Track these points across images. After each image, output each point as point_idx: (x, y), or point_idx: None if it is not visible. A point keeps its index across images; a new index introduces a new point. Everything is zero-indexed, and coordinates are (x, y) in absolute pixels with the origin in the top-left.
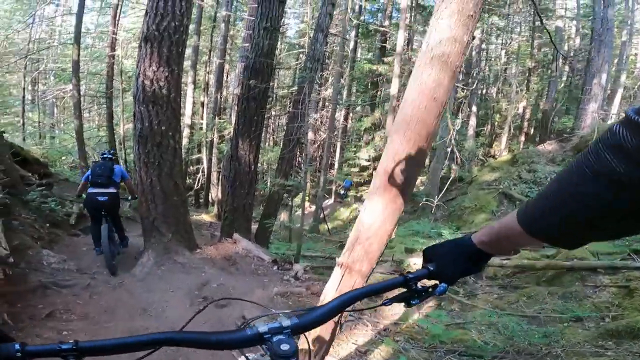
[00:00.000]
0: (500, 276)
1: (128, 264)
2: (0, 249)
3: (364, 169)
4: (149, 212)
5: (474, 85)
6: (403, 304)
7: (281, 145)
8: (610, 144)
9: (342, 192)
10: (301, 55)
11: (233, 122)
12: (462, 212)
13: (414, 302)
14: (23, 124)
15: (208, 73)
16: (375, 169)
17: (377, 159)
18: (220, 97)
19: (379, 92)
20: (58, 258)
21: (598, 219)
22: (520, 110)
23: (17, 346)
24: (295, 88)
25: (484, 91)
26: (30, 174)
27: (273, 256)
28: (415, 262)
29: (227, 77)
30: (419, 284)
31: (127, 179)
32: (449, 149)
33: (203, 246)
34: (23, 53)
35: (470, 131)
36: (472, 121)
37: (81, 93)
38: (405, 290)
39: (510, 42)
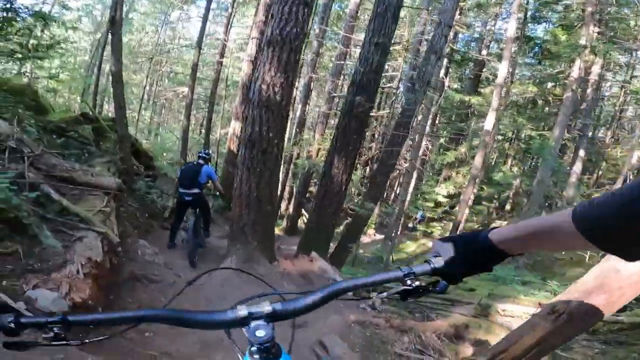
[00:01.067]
0: (603, 331)
1: (206, 261)
2: (112, 236)
3: (438, 204)
4: (241, 218)
5: (586, 128)
6: (399, 297)
7: (374, 168)
8: None
9: (412, 224)
10: (391, 76)
11: (316, 137)
12: (552, 264)
13: (410, 298)
14: (137, 120)
15: (296, 88)
16: (452, 207)
17: (455, 196)
18: (304, 113)
19: (466, 126)
20: (151, 250)
21: None
22: (635, 160)
23: (10, 318)
24: (387, 110)
25: (594, 133)
26: (139, 165)
27: None
28: (504, 309)
29: (310, 93)
30: (418, 281)
31: (214, 180)
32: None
33: (280, 259)
34: (149, 54)
35: (573, 178)
36: (577, 167)
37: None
38: (402, 284)
39: (632, 80)
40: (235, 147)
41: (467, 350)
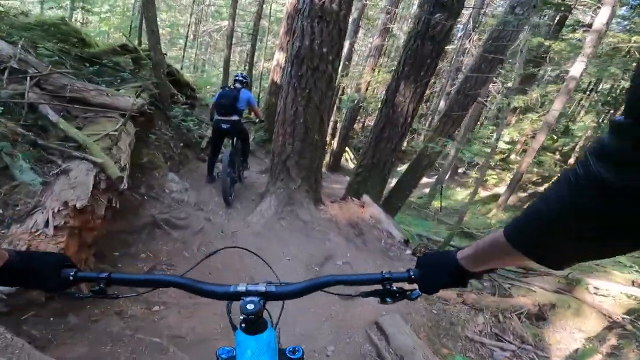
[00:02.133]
0: None
1: (242, 200)
2: (112, 169)
3: (496, 151)
4: (284, 148)
5: None
6: (378, 299)
7: (448, 99)
8: (597, 153)
9: (463, 169)
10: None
11: (366, 70)
12: None
13: (388, 300)
14: (183, 57)
15: None
16: (513, 154)
17: (515, 144)
18: (352, 45)
19: (540, 71)
20: (181, 185)
21: (586, 231)
22: None
23: (71, 272)
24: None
25: None
26: (179, 94)
27: (405, 234)
28: (597, 286)
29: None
30: (396, 285)
31: (254, 105)
32: None
33: (327, 202)
34: None
35: None
36: None
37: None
38: (381, 287)
39: None
40: (279, 78)
41: (555, 336)
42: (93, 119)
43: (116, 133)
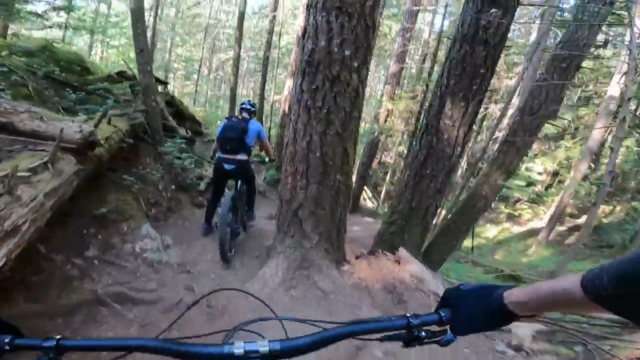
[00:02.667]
0: None
1: (245, 256)
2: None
3: (530, 183)
4: (294, 194)
5: None
6: (401, 343)
7: (510, 124)
8: None
9: (494, 204)
10: None
11: (384, 99)
12: None
13: (413, 345)
14: (196, 91)
15: None
16: (549, 186)
17: (554, 174)
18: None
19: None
20: (158, 242)
21: None
22: None
23: (6, 339)
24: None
25: None
26: (179, 127)
27: None
28: None
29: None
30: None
31: (265, 140)
32: None
33: (351, 259)
34: (208, 27)
35: None
36: None
37: (241, 54)
38: (406, 331)
39: None
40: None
41: None
42: (20, 151)
43: (42, 176)
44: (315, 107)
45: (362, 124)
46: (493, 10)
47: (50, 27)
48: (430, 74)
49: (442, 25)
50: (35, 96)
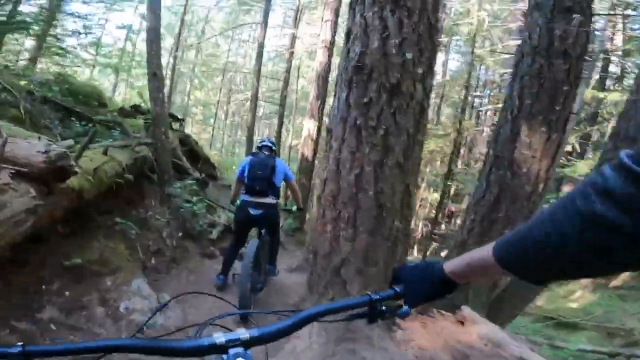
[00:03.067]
0: None
1: (267, 317)
2: None
3: None
4: (335, 246)
5: None
6: (366, 320)
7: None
8: (599, 188)
9: None
10: None
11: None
12: None
13: (376, 320)
14: (212, 136)
15: None
16: None
17: None
18: None
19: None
20: (152, 300)
21: (576, 257)
22: None
23: None
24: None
25: None
26: (192, 169)
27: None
28: None
29: None
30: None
31: (292, 180)
32: None
33: (405, 322)
34: (226, 70)
35: None
36: None
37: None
38: (368, 308)
39: None
40: (311, 151)
41: None
42: None
43: None
44: (368, 128)
45: None
46: (576, 16)
47: (79, 65)
48: (463, 110)
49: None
50: (27, 120)
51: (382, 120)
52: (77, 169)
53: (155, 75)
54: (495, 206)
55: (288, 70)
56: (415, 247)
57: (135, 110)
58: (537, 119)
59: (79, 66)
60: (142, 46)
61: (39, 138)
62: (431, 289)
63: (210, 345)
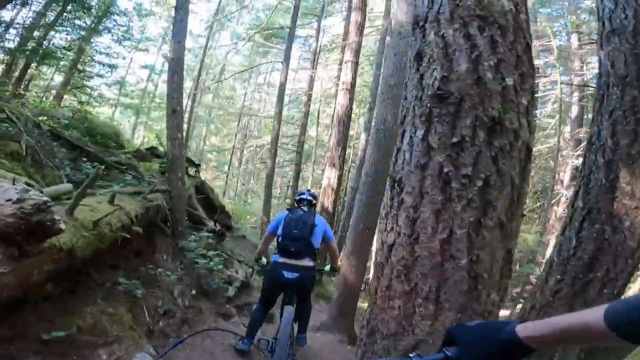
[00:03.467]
0: None
1: None
2: None
3: None
4: (406, 325)
5: None
6: None
7: None
8: None
9: None
10: None
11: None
12: None
13: None
14: (226, 183)
15: None
16: None
17: None
18: None
19: None
20: None
21: None
22: None
23: None
24: None
25: None
26: (207, 219)
27: None
28: None
29: None
30: None
31: (332, 241)
32: None
33: None
34: (242, 114)
35: None
36: None
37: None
38: None
39: None
40: (331, 202)
41: None
42: None
43: None
44: (460, 177)
45: None
46: None
47: (102, 104)
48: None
49: None
50: (27, 157)
51: (479, 167)
52: (62, 225)
53: (175, 112)
54: (591, 265)
55: (306, 115)
56: None
57: (152, 153)
58: (638, 162)
59: (101, 105)
60: (163, 88)
61: (14, 180)
62: (496, 353)
63: None
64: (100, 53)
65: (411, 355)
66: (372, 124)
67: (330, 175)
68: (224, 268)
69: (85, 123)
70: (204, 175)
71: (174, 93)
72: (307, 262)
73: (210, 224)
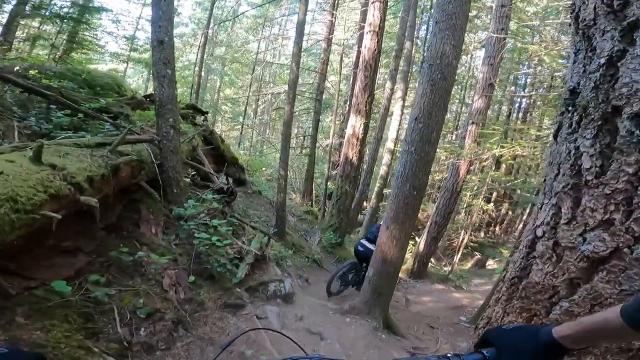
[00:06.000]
0: None
1: None
2: None
3: None
4: None
5: None
6: None
7: None
8: None
9: None
10: None
11: (467, 143)
12: None
13: None
14: (241, 133)
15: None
16: None
17: None
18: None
19: None
20: None
21: None
22: None
23: None
24: None
25: None
26: (215, 174)
27: None
28: None
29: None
30: None
31: None
32: None
33: None
34: (256, 64)
35: None
36: None
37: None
38: None
39: None
40: (356, 153)
41: None
42: None
43: None
44: None
45: (438, 175)
46: None
47: (112, 61)
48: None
49: None
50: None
51: None
52: None
53: (162, 44)
54: None
55: (325, 62)
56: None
57: (151, 100)
58: None
59: (112, 61)
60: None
61: None
62: (536, 355)
63: None
64: (101, 9)
65: (449, 354)
66: (424, 59)
67: (355, 124)
68: (234, 239)
69: (83, 75)
70: (219, 127)
71: (160, 20)
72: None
73: (223, 179)
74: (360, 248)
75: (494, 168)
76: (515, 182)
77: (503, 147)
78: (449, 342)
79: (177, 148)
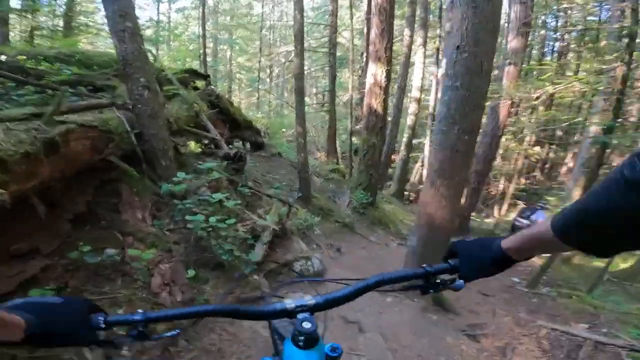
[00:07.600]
0: None
1: None
2: None
3: None
4: None
5: None
6: (418, 291)
7: None
8: None
9: None
10: None
11: (505, 84)
12: None
13: (430, 292)
14: (257, 99)
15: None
16: None
17: None
18: None
19: None
20: None
21: (632, 228)
22: None
23: (101, 317)
24: None
25: None
26: (220, 138)
27: None
28: None
29: None
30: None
31: None
32: None
33: None
34: (262, 27)
35: None
36: None
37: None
38: (423, 280)
39: None
40: (380, 103)
41: None
42: None
43: None
44: None
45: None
46: None
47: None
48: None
49: None
50: None
51: None
52: None
53: None
54: None
55: (334, 13)
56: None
57: None
58: None
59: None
60: (174, 17)
61: None
62: (487, 265)
63: (282, 310)
64: None
65: (424, 265)
66: None
67: (375, 72)
68: (247, 214)
69: (77, 56)
70: (237, 96)
71: None
72: None
73: (238, 144)
74: None
75: (542, 108)
76: (575, 120)
77: (558, 83)
78: (508, 313)
79: (156, 112)
